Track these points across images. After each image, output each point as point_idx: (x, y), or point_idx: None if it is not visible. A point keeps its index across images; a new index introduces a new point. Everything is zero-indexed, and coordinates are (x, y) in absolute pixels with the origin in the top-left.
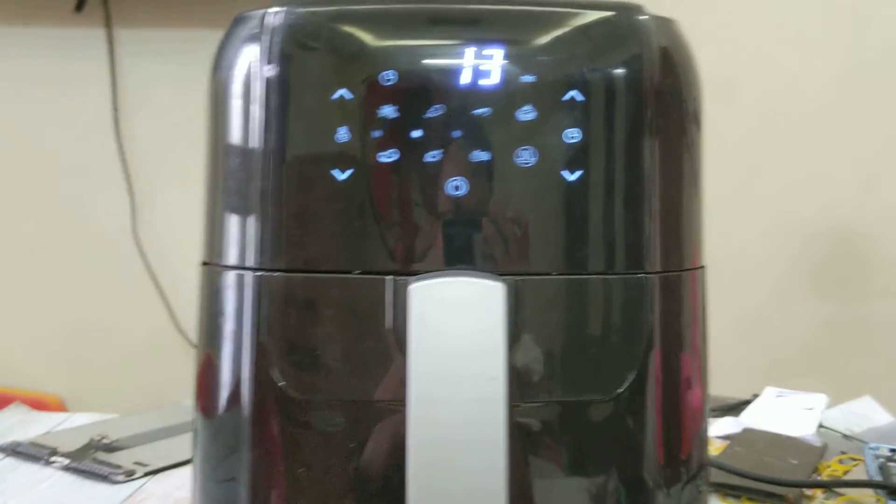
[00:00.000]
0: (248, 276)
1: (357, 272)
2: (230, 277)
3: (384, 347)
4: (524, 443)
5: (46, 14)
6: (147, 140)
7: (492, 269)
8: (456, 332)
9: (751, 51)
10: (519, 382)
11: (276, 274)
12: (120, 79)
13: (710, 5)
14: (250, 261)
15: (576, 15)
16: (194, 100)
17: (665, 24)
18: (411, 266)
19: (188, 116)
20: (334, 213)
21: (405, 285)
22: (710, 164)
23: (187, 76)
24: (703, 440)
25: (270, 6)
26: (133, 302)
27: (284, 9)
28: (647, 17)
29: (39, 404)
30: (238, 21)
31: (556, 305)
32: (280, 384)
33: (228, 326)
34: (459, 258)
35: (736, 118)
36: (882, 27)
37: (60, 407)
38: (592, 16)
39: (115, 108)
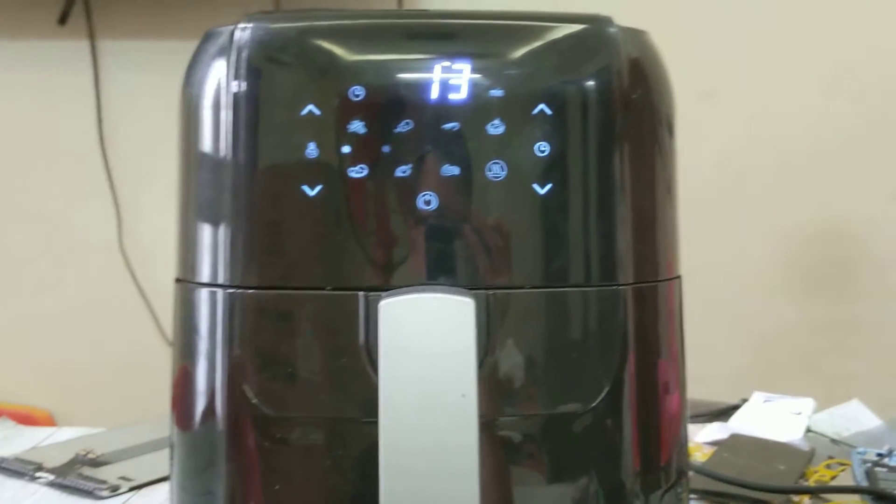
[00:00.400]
0: (221, 293)
1: (329, 288)
2: (203, 294)
3: (357, 364)
4: (502, 456)
5: (30, 27)
6: (132, 151)
7: (464, 283)
8: (426, 349)
9: (738, 52)
10: (494, 396)
11: (248, 291)
12: (104, 90)
13: (697, 10)
14: (222, 278)
15: (545, 29)
16: (178, 110)
17: (635, 36)
18: (384, 281)
19: (173, 127)
20: (305, 229)
21: (377, 301)
22: (697, 168)
23: (171, 87)
24: (682, 447)
25: (237, 22)
26: (120, 314)
27: (253, 24)
28: (616, 28)
29: (28, 419)
30: (208, 37)
31: (530, 318)
32: (254, 401)
33: (202, 343)
34: (432, 273)
35: (723, 121)
36: (869, 27)
37: (49, 421)
38: (562, 29)
39: (100, 120)
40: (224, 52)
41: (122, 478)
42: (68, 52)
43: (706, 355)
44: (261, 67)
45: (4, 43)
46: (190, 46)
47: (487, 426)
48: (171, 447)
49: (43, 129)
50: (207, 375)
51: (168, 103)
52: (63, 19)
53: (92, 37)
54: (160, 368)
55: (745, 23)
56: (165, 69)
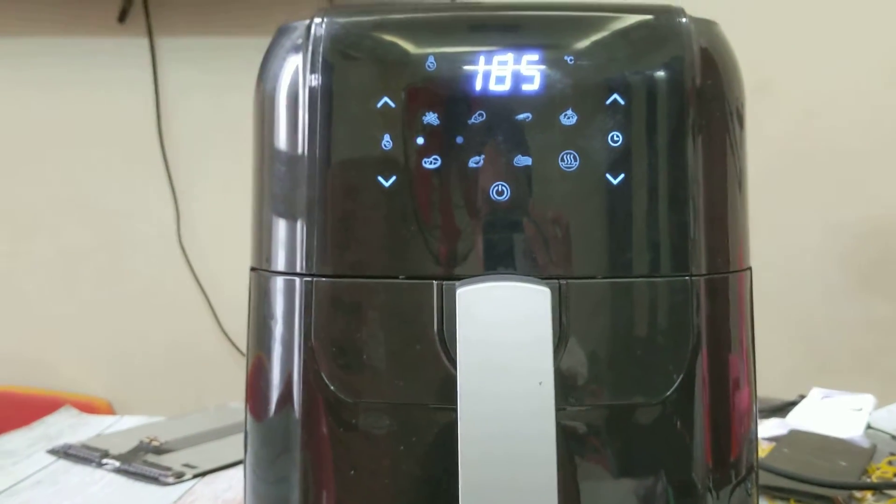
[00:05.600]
0: (297, 282)
1: (403, 277)
2: (279, 283)
3: (431, 351)
4: (572, 446)
5: (90, 24)
6: (190, 146)
7: (537, 273)
8: (504, 337)
9: (795, 48)
10: (566, 386)
11: (324, 279)
12: (162, 86)
13: (753, 2)
14: (299, 266)
15: (616, 19)
16: (236, 106)
17: (706, 26)
18: (457, 270)
19: (230, 123)
20: (380, 219)
21: (452, 290)
22: (755, 164)
23: (229, 83)
24: (752, 442)
25: (311, 14)
26: (178, 305)
27: (327, 19)
28: (687, 19)
29: (88, 407)
30: (282, 31)
31: (601, 309)
32: (330, 387)
33: (278, 330)
34: (504, 262)
35: (781, 117)
36: None
37: (108, 410)
38: (633, 19)
39: (159, 116)
40: (300, 46)
41: (186, 465)
42: (127, 49)
43: (762, 352)
44: (337, 61)
45: (66, 40)
46: (246, 42)
47: (560, 416)
48: (245, 434)
49: (103, 124)
50: (283, 362)
51: (225, 98)
52: (122, 17)
53: (150, 34)
54: (217, 359)
55: (802, 12)
56: (222, 65)
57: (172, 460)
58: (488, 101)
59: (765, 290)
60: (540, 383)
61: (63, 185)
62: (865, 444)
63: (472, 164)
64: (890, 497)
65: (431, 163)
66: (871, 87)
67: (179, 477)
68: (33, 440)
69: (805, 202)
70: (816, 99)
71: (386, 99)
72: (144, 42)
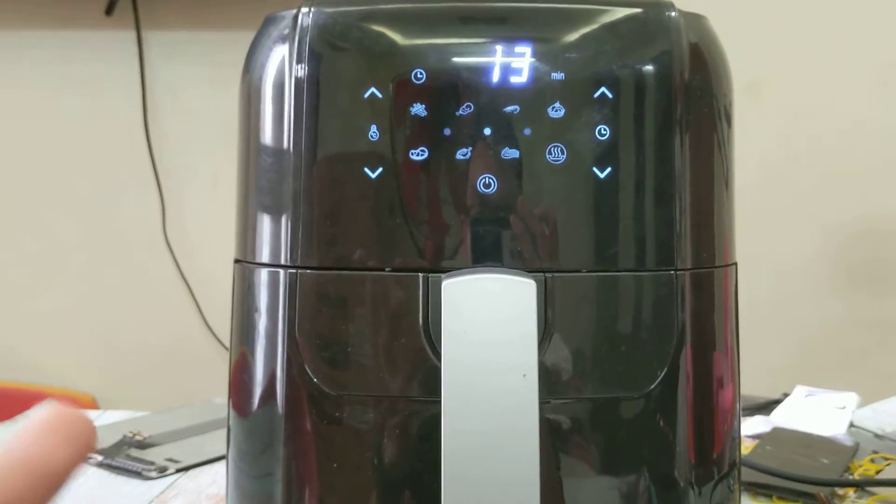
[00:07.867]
0: (281, 274)
1: (389, 269)
2: (263, 275)
3: (416, 344)
4: (554, 439)
5: (77, 17)
6: (177, 141)
7: (522, 265)
8: (489, 329)
9: (784, 46)
10: (549, 379)
11: (308, 271)
12: (149, 80)
13: (742, 3)
14: (283, 258)
15: (605, 12)
16: (223, 101)
17: (695, 21)
18: (443, 263)
19: (217, 117)
20: (366, 211)
21: (437, 282)
22: (742, 162)
23: (216, 77)
24: (734, 439)
25: (300, 7)
26: (163, 301)
27: (315, 9)
28: (676, 13)
29: (72, 402)
30: (269, 21)
31: (586, 302)
32: (314, 380)
33: (262, 323)
34: (490, 255)
35: (768, 115)
36: None
37: (92, 405)
38: (622, 12)
39: (145, 110)
40: (286, 37)
41: (169, 459)
42: (115, 43)
43: (749, 350)
44: (324, 51)
45: (53, 33)
46: (234, 36)
47: (543, 409)
48: (228, 429)
49: (89, 118)
50: (267, 355)
51: (213, 93)
52: (110, 10)
53: (138, 27)
54: (201, 354)
55: (792, 13)
56: (210, 59)
57: (155, 455)
58: (477, 92)
59: (752, 289)
60: (524, 376)
61: (48, 180)
62: (848, 441)
63: (459, 156)
64: (871, 494)
65: (418, 154)
66: (861, 87)
67: (162, 471)
68: None
69: (793, 202)
70: (805, 100)
71: (373, 89)
72: (132, 36)
